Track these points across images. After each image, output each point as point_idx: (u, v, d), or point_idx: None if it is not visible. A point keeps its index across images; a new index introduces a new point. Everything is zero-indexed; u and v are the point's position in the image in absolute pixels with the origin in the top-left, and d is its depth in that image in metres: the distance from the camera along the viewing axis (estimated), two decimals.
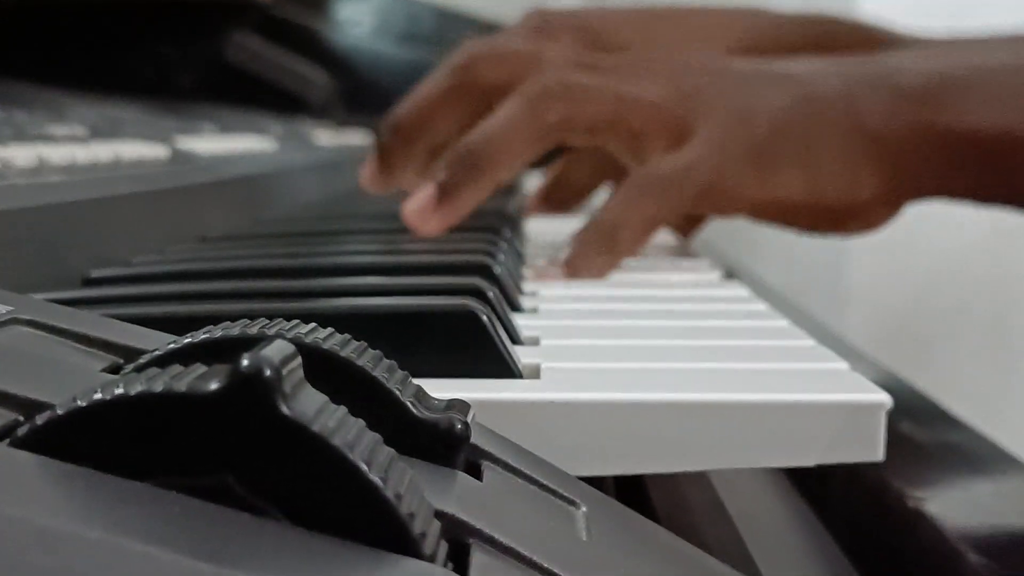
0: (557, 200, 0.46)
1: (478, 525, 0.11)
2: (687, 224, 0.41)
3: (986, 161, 0.33)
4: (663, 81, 0.34)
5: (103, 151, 0.35)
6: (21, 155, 0.30)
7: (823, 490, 0.22)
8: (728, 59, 0.37)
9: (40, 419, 0.10)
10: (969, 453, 0.22)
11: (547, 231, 0.43)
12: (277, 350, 0.11)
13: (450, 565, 0.10)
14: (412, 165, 0.38)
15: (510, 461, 0.13)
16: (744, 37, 0.42)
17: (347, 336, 0.13)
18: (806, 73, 0.35)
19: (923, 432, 0.23)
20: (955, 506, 0.20)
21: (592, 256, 0.31)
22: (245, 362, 0.10)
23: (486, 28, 0.85)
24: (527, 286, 0.27)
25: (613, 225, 0.32)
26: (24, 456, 0.10)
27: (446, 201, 0.32)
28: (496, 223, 0.35)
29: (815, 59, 0.36)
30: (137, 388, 0.10)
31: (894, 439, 0.23)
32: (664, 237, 0.41)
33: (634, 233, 0.32)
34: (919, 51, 0.37)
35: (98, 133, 0.41)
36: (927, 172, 0.34)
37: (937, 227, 1.24)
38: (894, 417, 0.24)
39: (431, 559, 0.10)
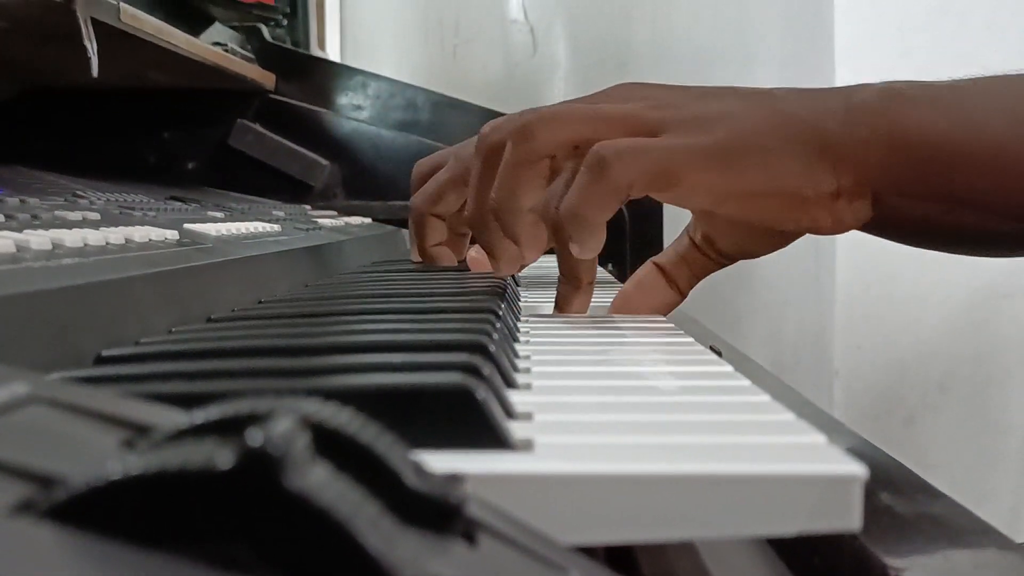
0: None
1: None
2: (681, 279, 0.44)
3: (928, 165, 0.37)
4: (639, 99, 0.39)
5: (114, 235, 0.36)
6: (36, 239, 0.31)
7: (807, 559, 0.22)
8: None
9: (60, 493, 0.11)
10: (949, 524, 0.22)
11: (540, 308, 0.44)
12: (284, 427, 0.11)
13: None
14: (529, 229, 0.42)
15: (504, 531, 0.14)
16: None
17: (350, 412, 0.14)
18: (770, 89, 0.40)
19: (904, 503, 0.23)
20: None
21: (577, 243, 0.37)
22: (255, 438, 0.10)
23: (484, 116, 0.87)
24: (521, 363, 0.28)
25: (573, 213, 0.36)
26: (45, 529, 0.10)
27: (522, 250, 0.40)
28: (491, 303, 0.35)
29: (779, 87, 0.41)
30: (153, 463, 0.11)
31: (876, 510, 0.23)
32: (652, 316, 0.42)
33: (593, 212, 0.36)
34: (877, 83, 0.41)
35: (109, 218, 0.42)
36: (881, 173, 0.37)
37: (920, 304, 1.25)
38: (876, 488, 0.25)
39: None
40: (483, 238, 0.43)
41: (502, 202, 0.39)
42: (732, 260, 0.44)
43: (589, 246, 0.37)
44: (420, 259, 0.54)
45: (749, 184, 0.36)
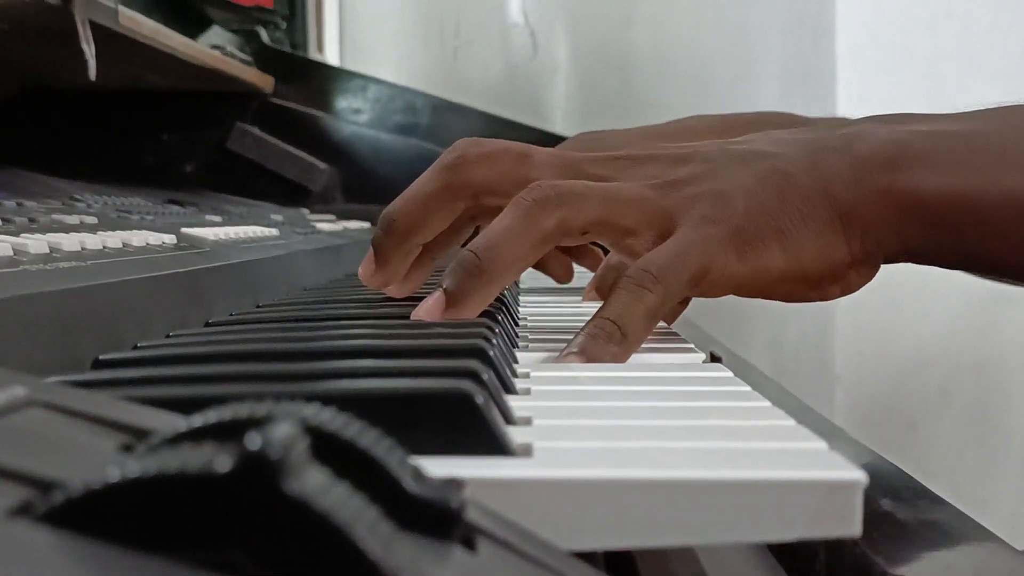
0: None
1: None
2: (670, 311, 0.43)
3: (940, 224, 0.35)
4: (645, 178, 0.37)
5: (111, 239, 0.36)
6: (33, 243, 0.31)
7: (807, 565, 0.22)
8: (698, 144, 0.39)
9: (58, 497, 0.11)
10: (950, 530, 0.22)
11: (539, 314, 0.44)
12: (283, 431, 0.11)
13: None
14: (406, 262, 0.39)
15: (503, 536, 0.14)
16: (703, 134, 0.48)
17: (348, 417, 0.14)
18: (772, 148, 0.37)
19: (904, 509, 0.23)
20: None
21: (605, 348, 0.32)
22: (253, 443, 0.10)
23: (483, 119, 0.87)
24: (520, 368, 0.28)
25: (619, 322, 0.33)
26: (42, 532, 0.10)
27: (453, 307, 0.33)
28: (490, 307, 0.35)
29: (779, 131, 0.39)
30: (152, 467, 0.11)
31: (876, 516, 0.23)
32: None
33: (638, 326, 0.33)
34: (871, 121, 0.38)
35: (107, 222, 0.42)
36: (891, 235, 0.36)
37: (922, 310, 1.26)
38: (877, 494, 0.25)
39: None
40: (387, 246, 0.37)
41: (490, 261, 0.33)
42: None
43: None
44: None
45: (766, 270, 0.35)
